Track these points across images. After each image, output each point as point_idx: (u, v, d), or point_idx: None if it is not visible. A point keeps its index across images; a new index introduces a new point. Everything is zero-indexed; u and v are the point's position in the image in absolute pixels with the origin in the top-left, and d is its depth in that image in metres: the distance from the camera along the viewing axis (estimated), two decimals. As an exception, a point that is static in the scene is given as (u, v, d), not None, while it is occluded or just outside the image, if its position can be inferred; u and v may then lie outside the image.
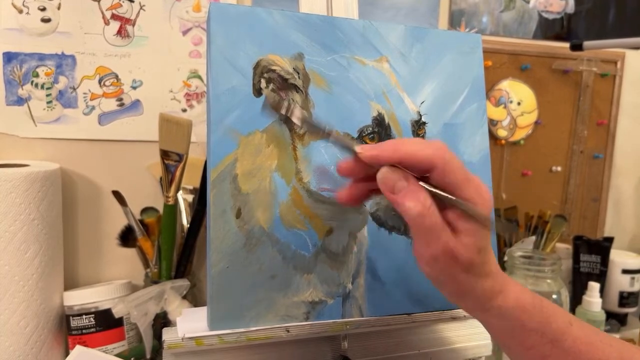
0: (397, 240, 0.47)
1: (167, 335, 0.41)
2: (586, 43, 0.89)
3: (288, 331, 0.42)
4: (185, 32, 0.78)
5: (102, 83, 0.75)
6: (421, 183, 0.33)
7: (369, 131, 0.46)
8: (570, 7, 1.00)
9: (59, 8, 0.72)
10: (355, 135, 0.46)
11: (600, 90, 1.03)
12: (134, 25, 0.75)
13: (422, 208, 0.32)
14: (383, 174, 0.34)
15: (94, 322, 0.65)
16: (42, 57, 0.72)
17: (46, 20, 0.72)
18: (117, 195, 0.70)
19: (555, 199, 1.04)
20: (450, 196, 0.33)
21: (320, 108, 0.45)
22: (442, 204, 0.33)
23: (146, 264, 0.71)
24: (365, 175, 0.36)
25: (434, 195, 0.33)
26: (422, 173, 0.34)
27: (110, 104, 0.76)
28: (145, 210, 0.73)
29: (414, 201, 0.32)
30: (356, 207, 0.46)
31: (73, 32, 0.73)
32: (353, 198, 0.38)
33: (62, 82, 0.73)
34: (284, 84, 0.44)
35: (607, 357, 0.35)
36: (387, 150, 0.34)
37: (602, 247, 0.90)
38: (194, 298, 0.71)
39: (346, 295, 0.45)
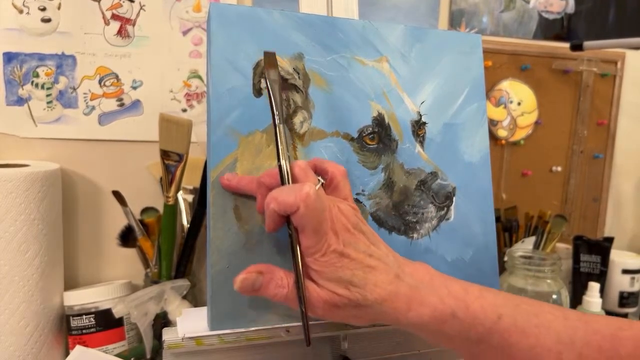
0: (397, 240, 0.47)
1: (167, 335, 0.41)
2: (586, 43, 0.89)
3: (288, 331, 0.42)
4: (185, 32, 0.78)
5: (102, 83, 0.75)
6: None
7: (369, 131, 0.46)
8: (570, 7, 1.00)
9: (59, 8, 0.72)
10: (356, 135, 0.46)
11: (600, 90, 1.03)
12: (134, 25, 0.75)
13: (286, 293, 0.37)
14: (240, 281, 0.37)
15: (94, 322, 0.65)
16: (42, 57, 0.72)
17: (46, 21, 0.72)
18: (117, 195, 0.70)
19: (555, 199, 1.04)
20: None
21: (320, 108, 0.45)
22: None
23: (146, 264, 0.71)
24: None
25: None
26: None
27: (111, 104, 0.76)
28: (145, 210, 0.73)
29: (276, 289, 0.37)
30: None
31: (73, 32, 0.73)
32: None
33: (62, 82, 0.73)
34: (284, 84, 0.44)
35: (541, 343, 0.34)
36: (260, 201, 0.40)
37: (602, 247, 0.90)
38: (194, 298, 0.71)
39: (346, 295, 0.45)
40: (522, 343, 0.35)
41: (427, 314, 0.36)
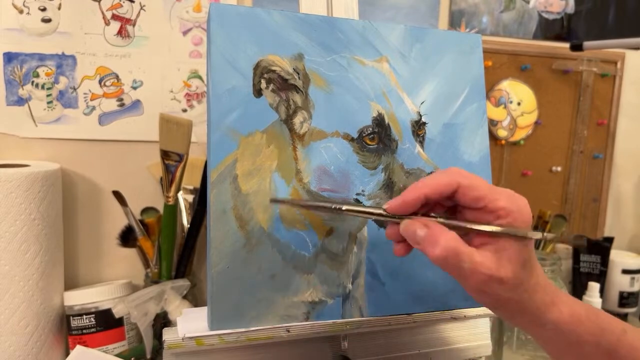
0: (397, 240, 0.47)
1: (168, 335, 0.41)
2: (586, 43, 0.89)
3: (288, 331, 0.43)
4: (185, 32, 0.78)
5: (102, 83, 0.75)
6: (441, 220, 0.34)
7: (369, 131, 0.46)
8: (570, 7, 1.00)
9: (59, 8, 0.72)
10: (356, 135, 0.46)
11: (600, 90, 1.03)
12: (134, 25, 0.75)
13: (444, 252, 0.32)
14: (403, 225, 0.35)
15: (94, 322, 0.65)
16: (42, 58, 0.72)
17: (46, 21, 0.72)
18: (117, 195, 0.70)
19: (555, 199, 1.04)
20: (474, 227, 0.33)
21: (320, 108, 0.45)
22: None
23: (146, 264, 0.71)
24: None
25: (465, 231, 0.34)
26: (450, 202, 0.36)
27: (111, 104, 0.76)
28: (145, 210, 0.73)
29: (435, 247, 0.33)
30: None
31: (73, 32, 0.73)
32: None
33: (63, 82, 0.73)
34: (284, 85, 0.44)
35: None
36: (410, 192, 0.35)
37: (602, 247, 0.90)
38: (194, 298, 0.71)
39: (346, 295, 0.45)
40: None
41: (568, 311, 0.35)
